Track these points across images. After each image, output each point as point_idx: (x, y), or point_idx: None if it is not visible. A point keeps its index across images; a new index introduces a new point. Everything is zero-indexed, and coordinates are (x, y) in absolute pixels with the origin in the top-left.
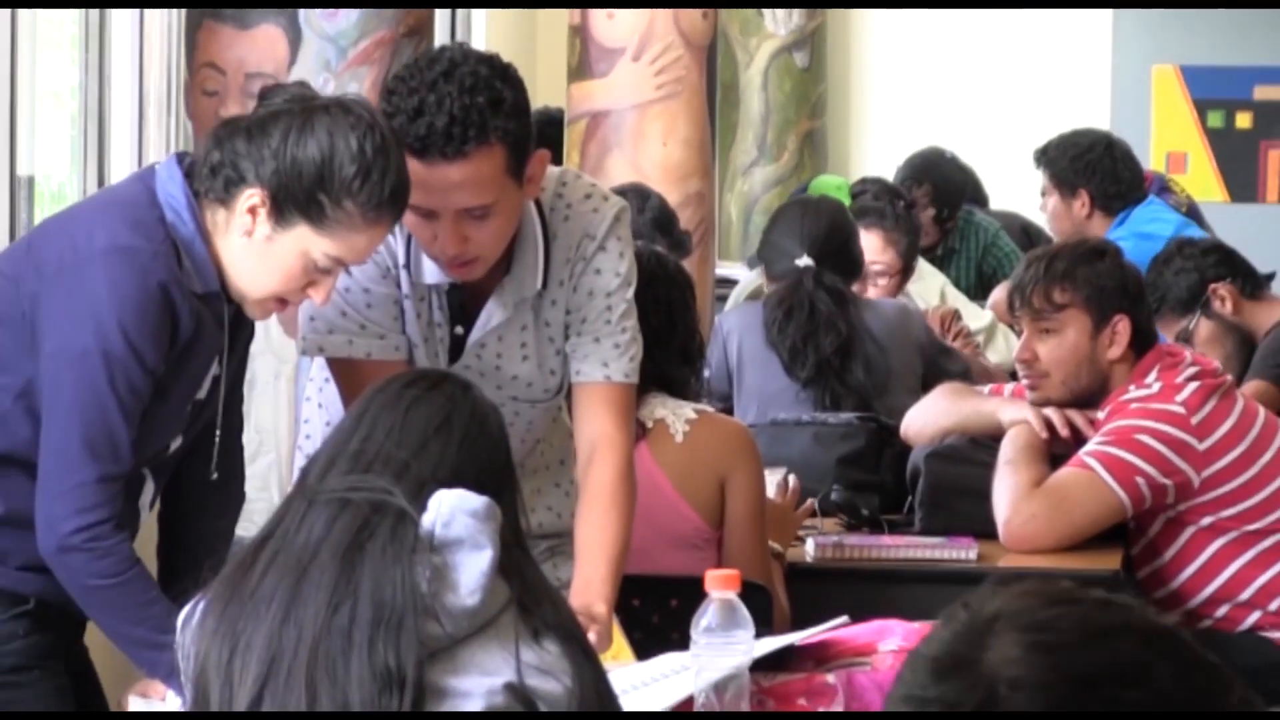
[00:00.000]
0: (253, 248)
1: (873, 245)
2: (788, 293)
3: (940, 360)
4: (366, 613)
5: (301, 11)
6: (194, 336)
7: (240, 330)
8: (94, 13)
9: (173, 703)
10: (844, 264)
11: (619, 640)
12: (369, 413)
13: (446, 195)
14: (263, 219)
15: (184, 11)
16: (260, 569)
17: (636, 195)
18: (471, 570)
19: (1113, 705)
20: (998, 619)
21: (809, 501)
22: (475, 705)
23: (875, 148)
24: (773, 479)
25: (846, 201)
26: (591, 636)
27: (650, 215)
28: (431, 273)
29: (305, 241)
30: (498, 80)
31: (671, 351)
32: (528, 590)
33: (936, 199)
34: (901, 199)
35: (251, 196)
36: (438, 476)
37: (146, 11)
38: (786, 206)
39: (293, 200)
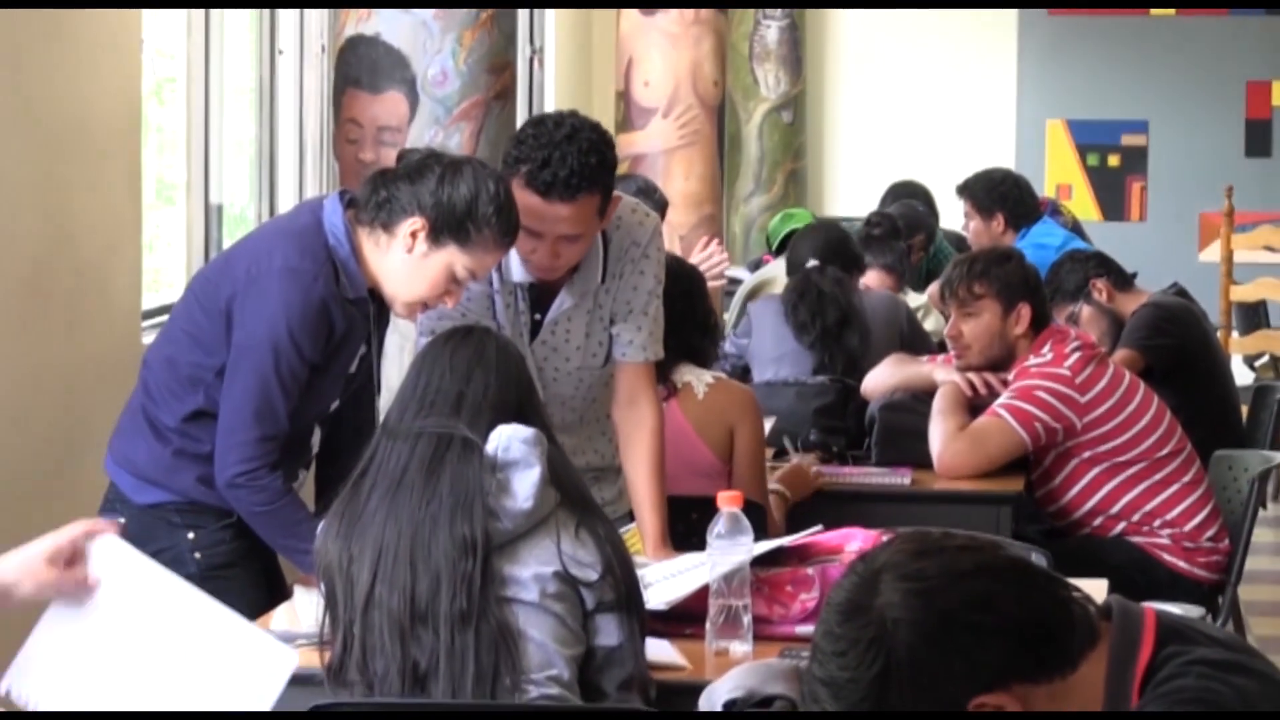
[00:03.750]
0: (410, 262)
1: (886, 283)
2: (801, 284)
3: (916, 343)
4: (448, 502)
5: (418, 79)
6: (346, 332)
7: (381, 320)
8: (266, 79)
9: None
10: (845, 260)
11: None
12: (424, 365)
13: (554, 225)
14: (421, 240)
15: (333, 79)
16: (365, 494)
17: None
18: (525, 482)
19: (972, 630)
20: (884, 570)
21: (816, 469)
22: (529, 595)
23: (842, 182)
24: (766, 425)
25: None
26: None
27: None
28: (517, 272)
29: (452, 258)
30: (602, 145)
31: (694, 328)
32: (565, 478)
33: (926, 243)
34: (901, 237)
35: (414, 224)
36: (488, 399)
37: (304, 79)
38: (804, 234)
39: (447, 226)
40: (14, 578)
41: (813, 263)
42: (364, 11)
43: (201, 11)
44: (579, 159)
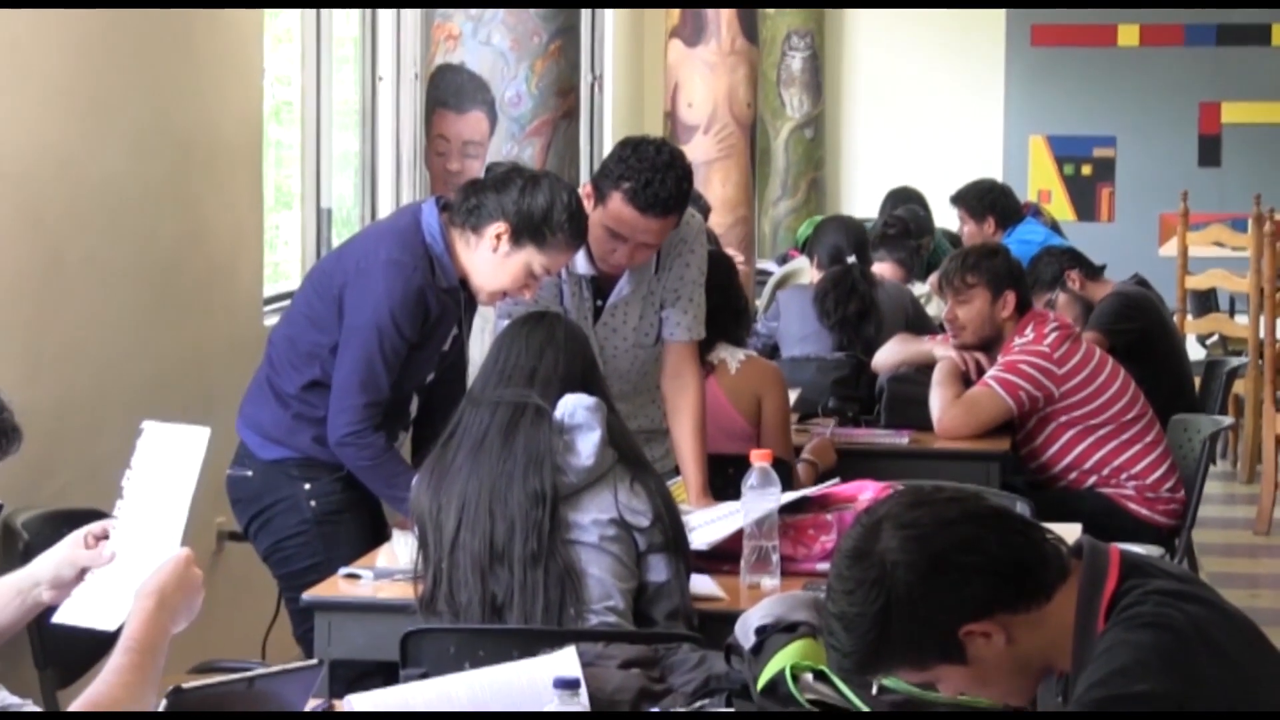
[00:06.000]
0: (494, 260)
1: (898, 275)
2: (839, 277)
3: (918, 323)
4: (521, 460)
5: (497, 101)
6: (440, 315)
7: (470, 306)
8: (368, 102)
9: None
10: (864, 257)
11: None
12: (504, 344)
13: (642, 234)
14: (504, 241)
15: (424, 101)
16: (452, 453)
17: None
18: (588, 443)
19: (960, 569)
20: (884, 520)
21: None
22: (590, 538)
23: (857, 188)
24: (792, 395)
25: None
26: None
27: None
28: (581, 266)
29: (530, 257)
30: (690, 172)
31: (729, 315)
32: (622, 439)
33: (929, 242)
34: (912, 236)
35: (499, 228)
36: (557, 373)
37: (400, 102)
38: (828, 221)
39: (526, 230)
40: (40, 565)
41: (852, 259)
42: (451, 42)
43: (314, 44)
44: (676, 184)
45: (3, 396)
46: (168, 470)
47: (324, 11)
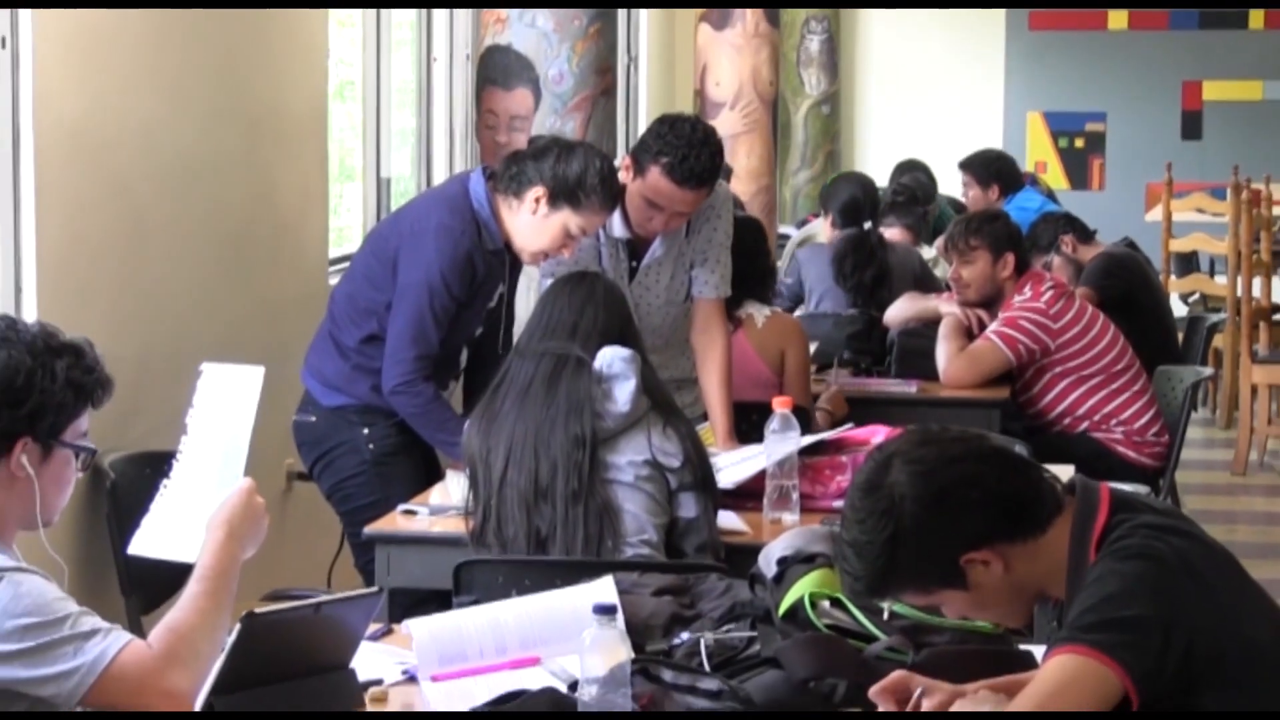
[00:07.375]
0: (534, 222)
1: (906, 238)
2: (858, 240)
3: (925, 283)
4: (564, 406)
5: (541, 79)
6: (486, 275)
7: (515, 266)
8: (424, 80)
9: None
10: (874, 214)
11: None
12: (548, 301)
13: (678, 204)
14: (542, 205)
15: (475, 80)
16: (500, 399)
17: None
18: (624, 391)
19: (962, 502)
20: (894, 456)
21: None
22: (626, 477)
23: (869, 161)
24: (810, 347)
25: None
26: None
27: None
28: (618, 229)
29: (566, 219)
30: (720, 148)
31: (756, 275)
32: (655, 387)
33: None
34: (920, 203)
35: (537, 192)
36: (597, 327)
37: (453, 80)
38: (841, 178)
39: (562, 194)
40: None
41: (869, 224)
42: (500, 25)
43: (374, 28)
44: (710, 159)
45: (96, 352)
46: (227, 407)
47: None
